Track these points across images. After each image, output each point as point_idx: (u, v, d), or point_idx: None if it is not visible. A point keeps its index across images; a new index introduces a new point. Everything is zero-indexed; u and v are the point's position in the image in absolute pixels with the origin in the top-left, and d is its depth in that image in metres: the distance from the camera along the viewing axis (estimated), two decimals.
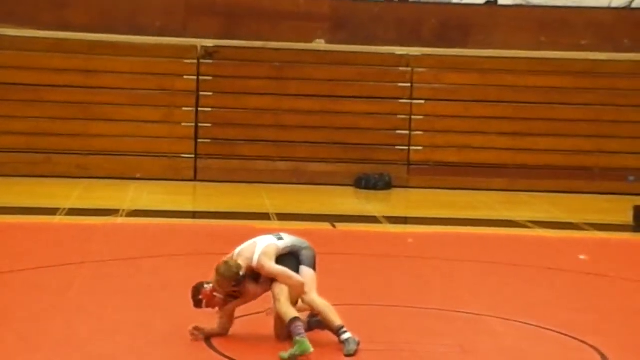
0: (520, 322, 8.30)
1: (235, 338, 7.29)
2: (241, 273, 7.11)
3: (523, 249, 12.43)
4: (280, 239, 7.37)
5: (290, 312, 6.97)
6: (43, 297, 8.54)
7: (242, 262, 7.17)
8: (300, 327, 6.90)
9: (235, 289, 7.13)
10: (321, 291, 8.77)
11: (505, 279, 10.45)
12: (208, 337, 7.19)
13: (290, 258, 7.29)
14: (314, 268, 7.36)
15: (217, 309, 7.24)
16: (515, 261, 11.32)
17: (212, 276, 7.18)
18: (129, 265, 10.23)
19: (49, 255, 10.48)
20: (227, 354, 7.00)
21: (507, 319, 8.37)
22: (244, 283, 7.14)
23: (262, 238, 7.36)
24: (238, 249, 7.32)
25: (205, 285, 7.17)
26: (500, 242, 12.99)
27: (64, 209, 13.99)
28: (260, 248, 7.21)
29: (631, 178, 18.71)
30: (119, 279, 9.51)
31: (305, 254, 7.35)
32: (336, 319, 7.17)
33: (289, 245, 7.37)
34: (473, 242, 12.83)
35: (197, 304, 7.21)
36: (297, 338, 6.84)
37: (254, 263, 7.15)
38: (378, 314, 8.48)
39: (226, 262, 7.18)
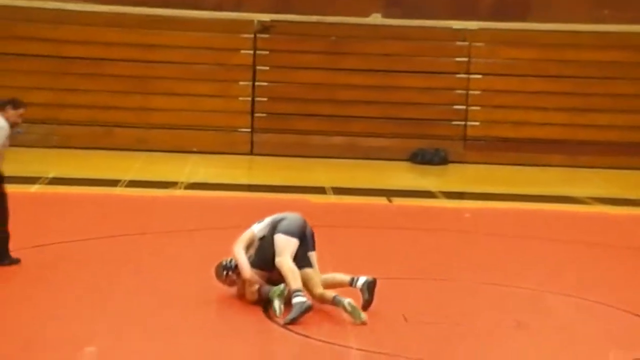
0: (577, 297, 8.24)
1: (289, 308, 7.35)
2: (229, 262, 7.68)
3: (582, 226, 12.30)
4: (260, 222, 7.80)
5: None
6: (104, 267, 8.71)
7: None
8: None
9: (231, 277, 7.70)
10: (377, 265, 8.79)
11: (563, 255, 10.35)
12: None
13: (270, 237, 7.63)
14: (295, 235, 7.53)
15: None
16: (573, 238, 11.20)
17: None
18: (188, 237, 10.37)
19: (110, 226, 10.66)
20: (280, 322, 7.08)
21: (564, 295, 8.32)
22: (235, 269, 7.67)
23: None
24: None
25: (224, 262, 7.72)
26: (558, 218, 12.85)
27: (125, 181, 14.22)
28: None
29: None
30: (178, 250, 9.65)
31: (281, 225, 7.60)
32: (294, 284, 7.30)
33: (266, 225, 7.71)
34: (531, 218, 12.72)
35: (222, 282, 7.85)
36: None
37: None
38: (433, 288, 8.49)
39: (218, 264, 7.78)
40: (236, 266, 7.66)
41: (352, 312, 7.15)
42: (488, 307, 7.93)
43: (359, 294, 7.47)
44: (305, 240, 7.61)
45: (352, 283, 7.56)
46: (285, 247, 7.47)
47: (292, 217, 7.70)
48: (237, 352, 6.58)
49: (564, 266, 9.76)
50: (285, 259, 7.42)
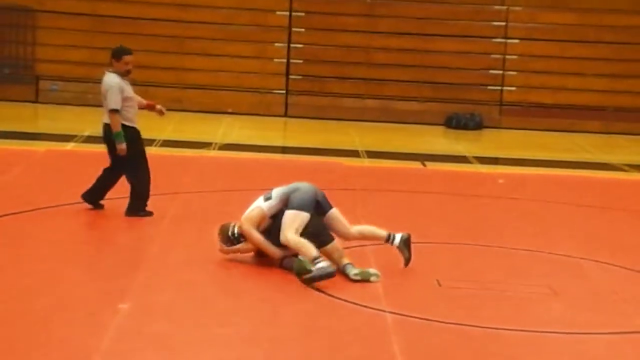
0: (612, 264, 8.18)
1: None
2: (235, 234, 7.51)
3: (618, 192, 12.19)
4: (268, 198, 7.52)
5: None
6: (139, 225, 8.78)
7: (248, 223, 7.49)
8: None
9: (233, 246, 7.56)
10: (410, 229, 8.79)
11: (598, 222, 10.28)
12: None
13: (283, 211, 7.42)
14: (306, 208, 7.34)
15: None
16: (609, 204, 11.11)
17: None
18: (220, 197, 10.41)
19: None
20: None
21: (599, 262, 8.26)
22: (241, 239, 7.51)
23: (257, 200, 7.58)
24: (247, 211, 7.59)
25: (230, 230, 7.56)
26: (594, 184, 12.75)
27: (159, 140, 14.28)
28: (246, 213, 7.50)
29: None
30: (210, 210, 9.69)
31: (293, 200, 7.36)
32: (311, 252, 7.16)
33: (277, 200, 7.47)
34: (566, 184, 12.63)
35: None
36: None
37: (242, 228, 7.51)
38: (467, 253, 8.46)
39: (222, 225, 7.63)
40: (239, 238, 7.51)
41: (364, 278, 7.18)
42: (521, 273, 7.89)
43: (397, 251, 7.58)
44: (321, 207, 7.50)
45: (388, 240, 7.63)
46: (291, 223, 7.27)
47: (302, 189, 7.43)
48: (266, 311, 6.61)
49: (598, 233, 9.69)
50: (287, 235, 7.25)
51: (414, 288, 7.24)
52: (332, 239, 7.44)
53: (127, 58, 8.92)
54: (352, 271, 7.24)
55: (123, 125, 8.87)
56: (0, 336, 5.78)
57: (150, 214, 9.00)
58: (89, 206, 9.04)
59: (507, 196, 11.42)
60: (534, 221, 10.06)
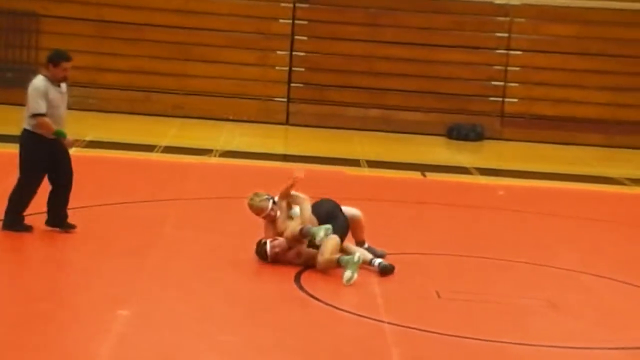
0: (612, 279, 8.17)
1: (321, 279, 7.39)
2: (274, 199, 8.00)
3: (619, 206, 12.18)
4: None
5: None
6: (140, 231, 8.78)
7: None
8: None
9: (273, 212, 7.94)
10: (409, 239, 8.78)
11: (598, 236, 10.28)
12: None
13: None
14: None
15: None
16: (610, 218, 11.10)
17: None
18: (221, 204, 10.41)
19: (146, 191, 10.73)
20: (311, 292, 7.12)
21: (599, 276, 8.26)
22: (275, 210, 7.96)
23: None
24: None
25: (268, 244, 7.81)
26: (595, 198, 12.74)
27: (161, 146, 14.29)
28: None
29: None
30: (210, 217, 9.70)
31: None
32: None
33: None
34: (567, 197, 12.62)
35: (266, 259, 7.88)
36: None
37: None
38: (466, 264, 8.46)
39: (256, 193, 8.11)
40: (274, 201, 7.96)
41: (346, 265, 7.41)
42: (521, 285, 7.89)
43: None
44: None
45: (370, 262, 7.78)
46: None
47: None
48: (267, 320, 6.61)
49: (599, 246, 9.69)
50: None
51: (413, 299, 7.23)
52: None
53: (65, 64, 8.35)
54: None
55: (38, 134, 8.25)
56: (0, 339, 5.77)
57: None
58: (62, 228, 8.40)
59: (507, 208, 11.41)
60: (534, 234, 10.06)
